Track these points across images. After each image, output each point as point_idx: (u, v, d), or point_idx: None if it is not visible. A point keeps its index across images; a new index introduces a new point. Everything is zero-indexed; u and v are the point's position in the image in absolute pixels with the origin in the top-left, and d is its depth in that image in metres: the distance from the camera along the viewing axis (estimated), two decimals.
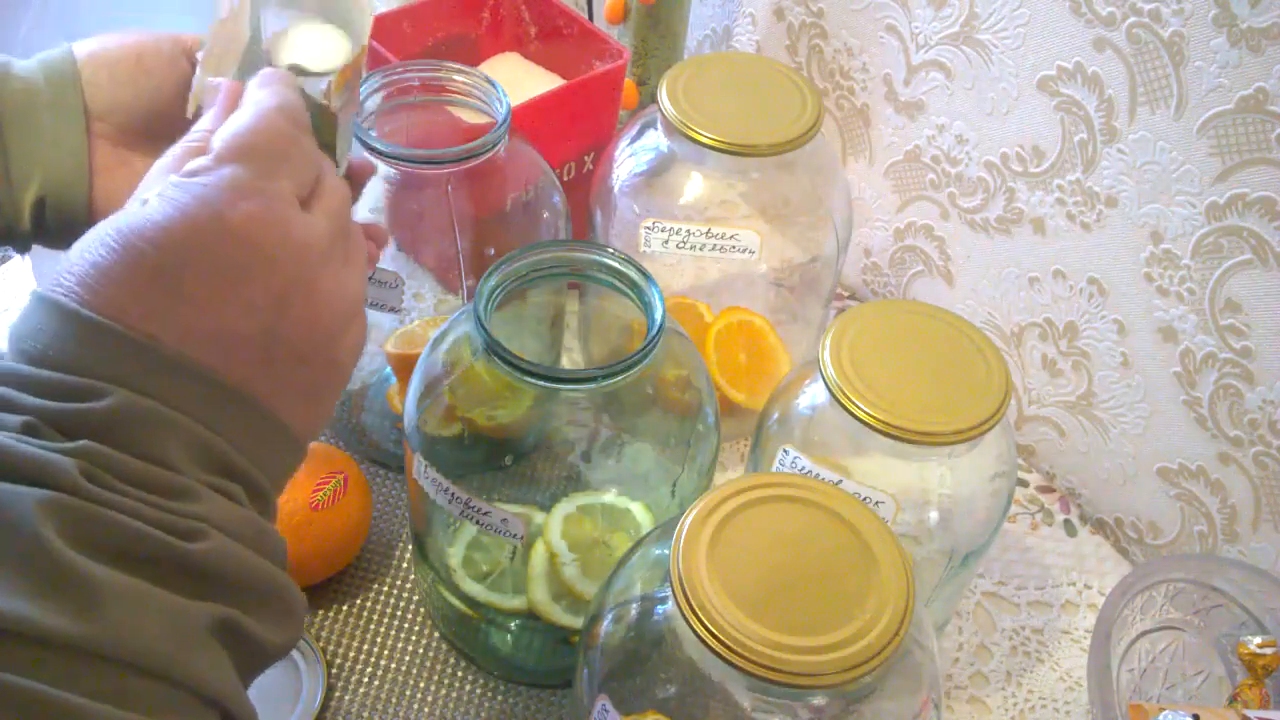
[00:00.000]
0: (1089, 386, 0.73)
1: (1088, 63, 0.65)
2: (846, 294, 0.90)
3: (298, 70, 0.46)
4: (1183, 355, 0.66)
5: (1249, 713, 0.56)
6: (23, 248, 0.50)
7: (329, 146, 0.47)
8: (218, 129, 0.38)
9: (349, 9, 0.49)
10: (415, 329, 0.67)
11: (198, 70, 0.47)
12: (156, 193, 0.35)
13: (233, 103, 0.41)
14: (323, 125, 0.46)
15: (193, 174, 0.35)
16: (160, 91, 0.50)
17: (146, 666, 0.30)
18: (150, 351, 0.33)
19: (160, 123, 0.50)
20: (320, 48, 0.47)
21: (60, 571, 0.29)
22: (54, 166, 0.48)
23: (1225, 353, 0.64)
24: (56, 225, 0.49)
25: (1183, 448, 0.69)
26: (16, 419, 0.31)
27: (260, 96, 0.39)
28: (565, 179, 0.77)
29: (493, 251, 0.65)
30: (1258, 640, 0.58)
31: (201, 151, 0.37)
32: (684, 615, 0.41)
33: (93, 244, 0.34)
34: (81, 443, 0.31)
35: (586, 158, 0.78)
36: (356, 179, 0.54)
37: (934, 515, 0.57)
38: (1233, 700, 0.58)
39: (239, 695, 0.33)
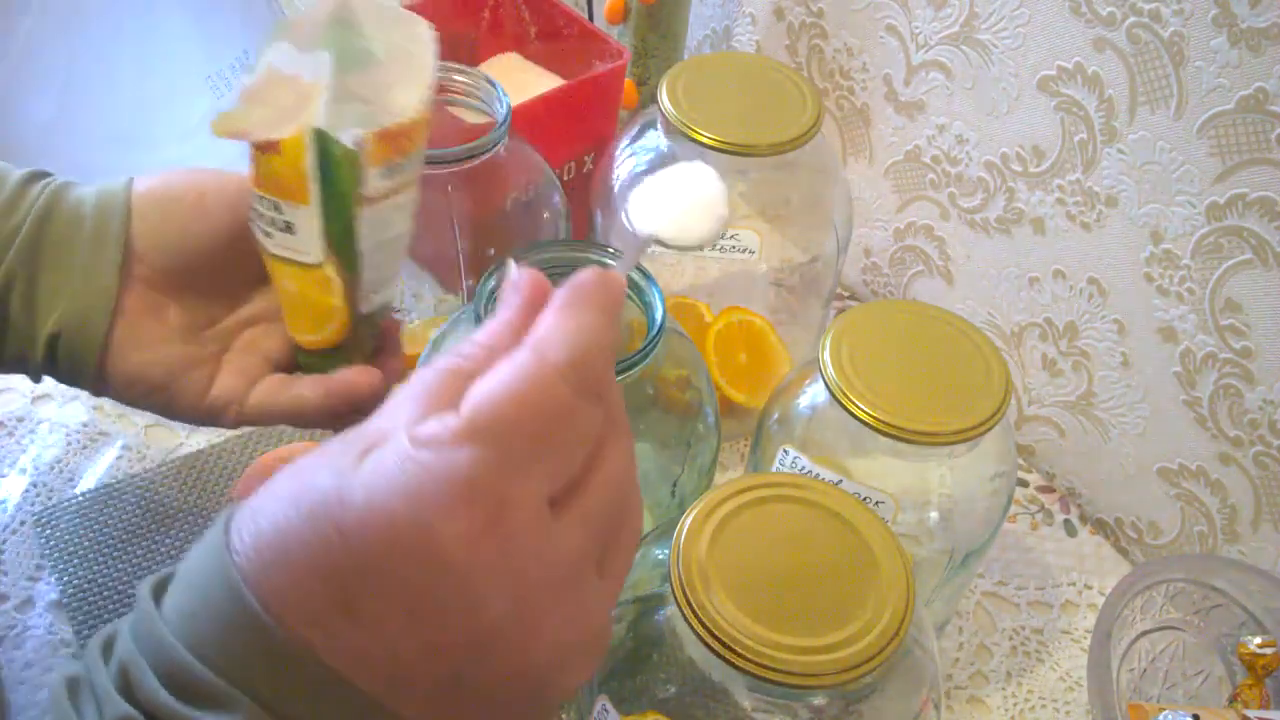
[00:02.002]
0: (1089, 386, 0.73)
1: (1088, 63, 0.65)
2: (846, 294, 0.90)
3: (654, 242, 0.36)
4: (1183, 355, 0.66)
5: (1249, 713, 0.56)
6: (35, 377, 0.48)
7: (341, 222, 0.43)
8: (482, 378, 0.28)
9: (412, 78, 0.44)
10: (415, 329, 0.67)
11: (238, 95, 0.42)
12: (376, 452, 0.28)
13: (536, 303, 0.31)
14: (346, 186, 0.42)
15: (421, 444, 0.27)
16: (215, 237, 0.46)
17: None
18: (298, 664, 0.27)
19: (211, 270, 0.47)
20: (694, 215, 0.38)
21: None
22: (77, 302, 0.45)
23: (1225, 353, 0.64)
24: (67, 363, 0.46)
25: (1183, 448, 0.69)
26: (118, 711, 0.27)
27: (558, 335, 0.29)
28: (565, 179, 0.77)
29: (493, 251, 0.65)
30: (1258, 640, 0.58)
31: (456, 393, 0.28)
32: (684, 615, 0.41)
33: (281, 503, 0.28)
34: None
35: (586, 158, 0.78)
36: (388, 331, 0.49)
37: (934, 515, 0.57)
38: (1233, 700, 0.58)
39: None
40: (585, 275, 0.31)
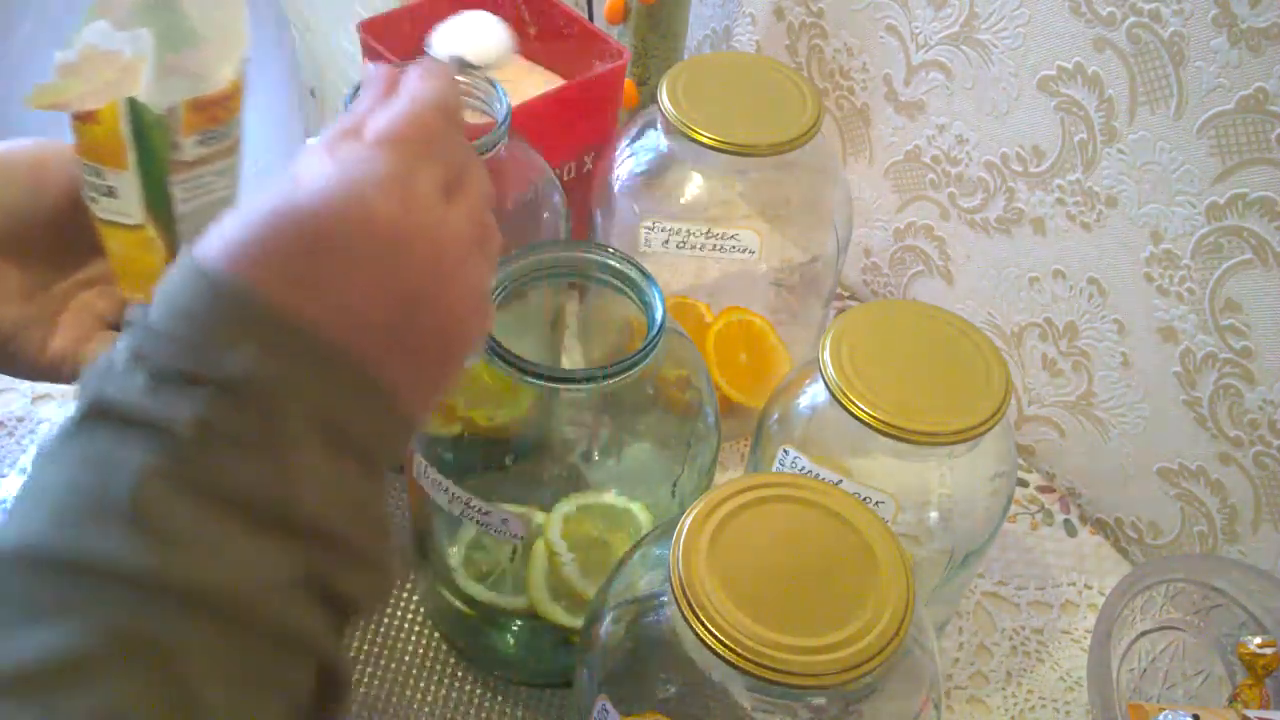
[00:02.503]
0: (1089, 386, 0.73)
1: (1088, 63, 0.65)
2: (846, 294, 0.90)
3: (460, 63, 0.45)
4: (1183, 355, 0.66)
5: (1249, 713, 0.56)
6: None
7: (157, 186, 0.47)
8: (372, 114, 0.38)
9: (227, 26, 0.48)
10: None
11: (54, 69, 0.45)
12: (306, 170, 0.35)
13: (390, 88, 0.40)
14: (159, 149, 0.46)
15: (343, 153, 0.36)
16: (55, 204, 0.48)
17: (216, 601, 0.30)
18: (286, 323, 0.33)
19: (51, 236, 0.49)
20: (482, 40, 0.45)
21: (157, 519, 0.30)
22: None
23: (1225, 353, 0.64)
24: None
25: (1183, 448, 0.69)
26: (147, 369, 0.32)
27: (417, 88, 0.39)
28: (565, 179, 0.77)
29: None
30: (1258, 640, 0.58)
31: (356, 134, 0.37)
32: (684, 615, 0.41)
33: (242, 210, 0.34)
34: (202, 399, 0.31)
35: (586, 158, 0.78)
36: None
37: (934, 515, 0.57)
38: (1233, 700, 0.58)
39: (328, 645, 0.33)
40: (426, 60, 0.41)
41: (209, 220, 0.48)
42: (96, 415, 0.32)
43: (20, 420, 0.72)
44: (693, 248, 0.68)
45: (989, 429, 0.52)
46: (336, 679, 0.34)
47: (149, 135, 0.45)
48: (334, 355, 0.34)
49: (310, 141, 0.38)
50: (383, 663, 0.63)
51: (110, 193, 0.47)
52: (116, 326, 0.52)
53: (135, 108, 0.45)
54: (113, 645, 0.28)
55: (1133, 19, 0.61)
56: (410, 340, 0.36)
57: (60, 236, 0.49)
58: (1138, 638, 0.60)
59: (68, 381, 0.51)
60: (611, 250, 0.54)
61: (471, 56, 0.45)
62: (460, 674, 0.63)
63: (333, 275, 0.34)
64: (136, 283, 0.50)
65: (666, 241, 0.68)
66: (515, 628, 0.62)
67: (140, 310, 0.34)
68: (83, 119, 0.45)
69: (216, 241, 0.34)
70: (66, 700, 0.27)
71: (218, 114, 0.47)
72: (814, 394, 0.56)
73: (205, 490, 0.31)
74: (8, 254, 0.49)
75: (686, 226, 0.67)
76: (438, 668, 0.63)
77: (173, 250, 0.49)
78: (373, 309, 0.35)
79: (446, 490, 0.53)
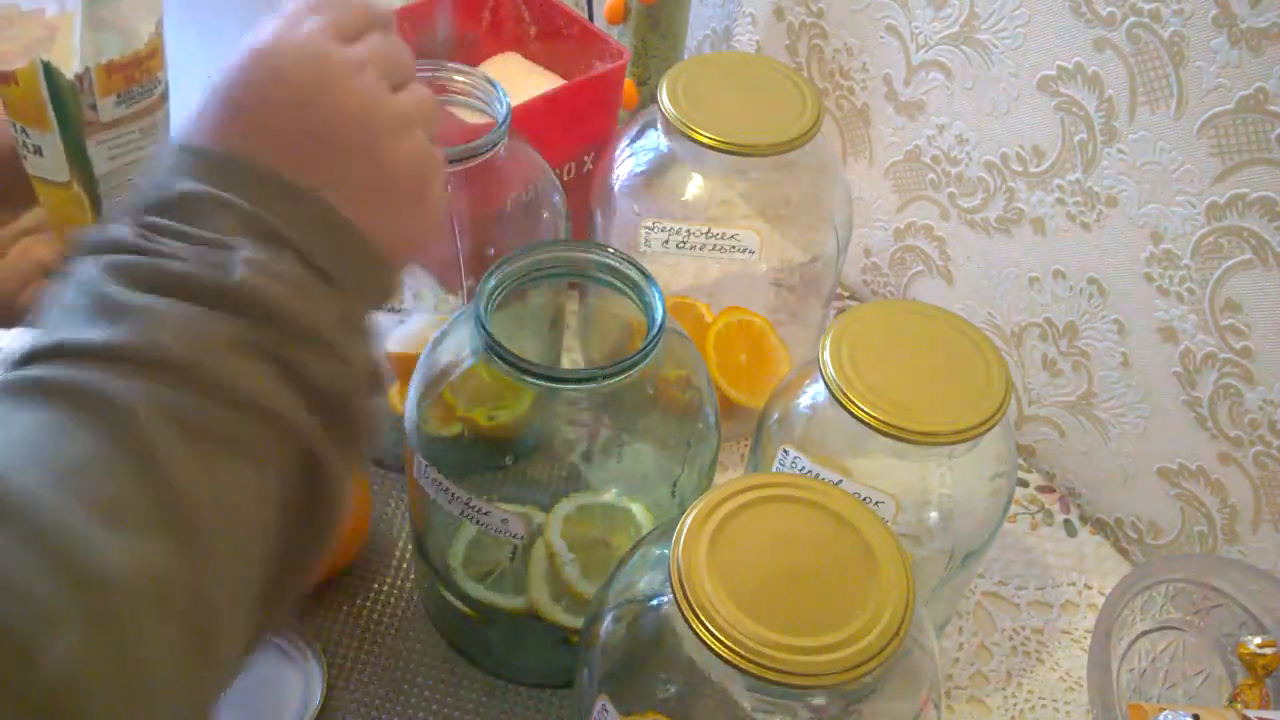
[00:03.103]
0: (1089, 386, 0.73)
1: (1088, 63, 0.65)
2: (846, 294, 0.90)
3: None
4: (1183, 355, 0.66)
5: (1249, 713, 0.56)
6: None
7: (76, 146, 0.48)
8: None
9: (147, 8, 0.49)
10: (415, 329, 0.67)
11: None
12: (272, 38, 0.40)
13: None
14: (74, 111, 0.47)
15: (288, 15, 0.40)
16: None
17: (160, 358, 0.33)
18: (218, 154, 0.37)
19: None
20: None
21: (109, 303, 0.34)
22: None
23: (1225, 353, 0.64)
24: None
25: (1183, 448, 0.69)
26: (115, 216, 0.37)
27: None
28: (565, 179, 0.77)
29: (493, 251, 0.65)
30: (1258, 640, 0.58)
31: None
32: (684, 615, 0.41)
33: (207, 90, 0.39)
34: (147, 216, 0.36)
35: (586, 158, 0.78)
36: None
37: (934, 515, 0.57)
38: (1233, 700, 0.58)
39: (300, 423, 0.35)
40: None
41: (134, 177, 0.50)
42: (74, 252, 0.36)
43: None
44: (693, 248, 0.68)
45: (989, 429, 0.52)
46: (323, 470, 0.36)
47: (66, 98, 0.46)
48: (260, 170, 0.38)
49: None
50: (383, 663, 0.63)
51: (38, 151, 0.48)
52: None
53: (50, 72, 0.46)
54: (74, 411, 0.31)
55: (1133, 19, 0.61)
56: (321, 140, 0.39)
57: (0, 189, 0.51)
58: (1138, 638, 0.59)
59: (8, 325, 0.53)
60: (611, 250, 0.54)
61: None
62: (460, 674, 0.63)
63: (245, 113, 0.38)
64: (69, 236, 0.51)
65: (666, 241, 0.68)
66: (515, 628, 0.62)
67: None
68: (3, 80, 0.46)
69: (194, 114, 0.39)
70: (35, 468, 0.30)
71: (135, 74, 0.48)
72: (814, 394, 0.56)
73: (152, 278, 0.34)
74: None
75: (686, 226, 0.67)
76: (438, 668, 0.63)
77: (97, 207, 0.50)
78: (273, 118, 0.39)
79: (446, 490, 0.53)
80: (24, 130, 0.48)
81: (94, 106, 0.47)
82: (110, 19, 0.48)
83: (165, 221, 0.36)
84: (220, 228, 0.36)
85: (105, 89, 0.47)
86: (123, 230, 0.36)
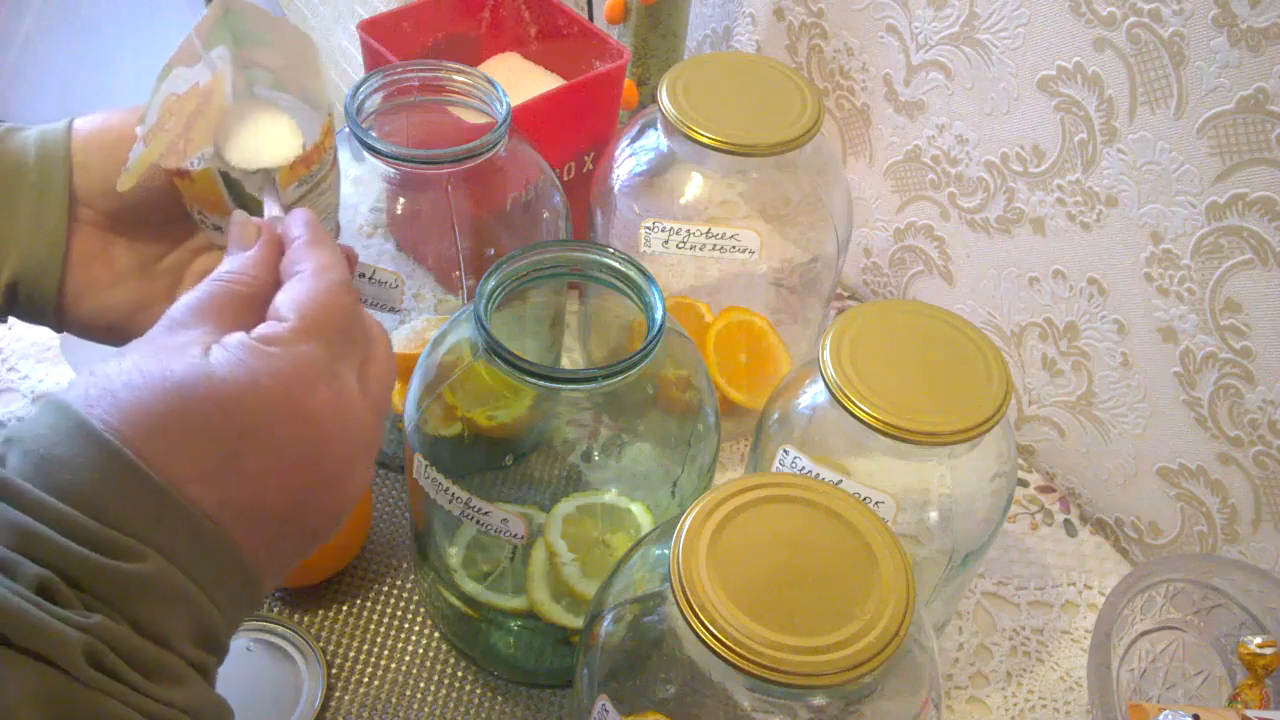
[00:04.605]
0: (1089, 386, 0.73)
1: (1088, 63, 0.65)
2: (846, 294, 0.90)
3: (260, 174, 0.45)
4: (1183, 355, 0.66)
5: (1249, 713, 0.56)
6: (1, 318, 0.50)
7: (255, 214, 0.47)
8: (283, 294, 0.38)
9: (309, 88, 0.48)
10: (416, 329, 0.67)
11: (138, 143, 0.45)
12: (221, 348, 0.34)
13: (276, 246, 0.40)
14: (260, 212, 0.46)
15: (269, 342, 0.35)
16: (155, 178, 0.48)
17: None
18: (190, 517, 0.32)
19: (154, 208, 0.49)
20: (269, 140, 0.46)
21: None
22: (29, 252, 0.47)
23: (1225, 353, 0.64)
24: (27, 307, 0.48)
25: (1183, 448, 0.69)
26: (34, 571, 0.30)
27: (323, 262, 0.39)
28: (565, 179, 0.77)
29: (493, 251, 0.65)
30: (1258, 640, 0.58)
31: (251, 301, 0.37)
32: (684, 615, 0.41)
33: (141, 383, 0.32)
34: (95, 619, 0.30)
35: (586, 158, 0.78)
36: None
37: (934, 515, 0.57)
38: (1233, 700, 0.58)
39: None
40: (300, 218, 0.41)
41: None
42: None
43: (20, 420, 0.72)
44: (693, 248, 0.68)
45: (989, 429, 0.52)
46: None
47: (249, 201, 0.46)
48: (227, 550, 0.33)
49: (191, 298, 0.37)
50: (383, 663, 0.63)
51: (217, 228, 0.48)
52: None
53: (230, 182, 0.45)
54: None
55: (1133, 19, 0.61)
56: (296, 528, 0.36)
57: (164, 207, 0.49)
58: (1138, 638, 0.59)
59: None
60: (611, 250, 0.54)
61: (248, 163, 0.45)
62: (460, 674, 0.63)
63: (244, 465, 0.33)
64: None
65: (666, 241, 0.68)
66: (515, 628, 0.62)
67: (19, 468, 0.32)
68: (178, 176, 0.45)
69: (111, 410, 0.32)
70: None
71: (312, 159, 0.47)
72: (814, 394, 0.56)
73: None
74: (113, 230, 0.49)
75: (686, 227, 0.67)
76: (438, 668, 0.63)
77: None
78: (274, 498, 0.34)
79: (446, 490, 0.53)
80: (200, 212, 0.47)
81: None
82: (259, 59, 0.48)
83: (120, 631, 0.31)
84: (172, 634, 0.32)
85: (286, 181, 0.46)
86: (67, 638, 0.29)
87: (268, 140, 0.47)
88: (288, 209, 0.47)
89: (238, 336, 0.35)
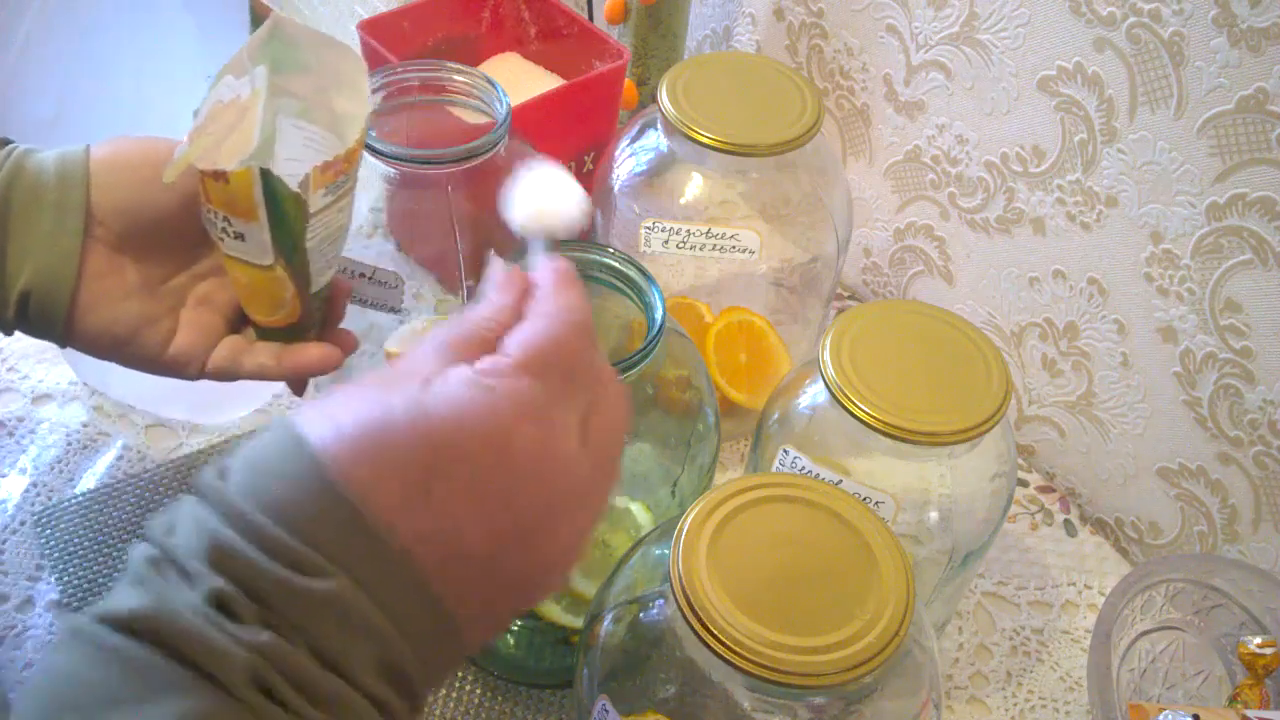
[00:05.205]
0: (1089, 386, 0.73)
1: (1088, 63, 0.65)
2: (846, 294, 0.90)
3: (553, 241, 0.44)
4: (1183, 355, 0.66)
5: (1249, 713, 0.56)
6: (8, 331, 0.51)
7: (289, 240, 0.48)
8: (514, 333, 0.36)
9: (343, 111, 0.49)
10: (415, 329, 0.67)
11: (184, 138, 0.47)
12: (441, 380, 0.34)
13: (521, 295, 0.39)
14: (292, 216, 0.47)
15: (486, 375, 0.34)
16: (169, 202, 0.49)
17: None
18: (382, 544, 0.31)
19: (164, 232, 0.51)
20: (561, 207, 0.45)
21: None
22: (43, 266, 0.48)
23: (1225, 353, 0.64)
24: (37, 318, 0.49)
25: (1183, 448, 0.69)
26: (212, 584, 0.30)
27: (558, 305, 0.38)
28: None
29: (493, 251, 0.65)
30: (1258, 640, 0.58)
31: (490, 344, 0.36)
32: (684, 615, 0.41)
33: (361, 410, 0.32)
34: (266, 637, 0.30)
35: (586, 158, 0.78)
36: (334, 298, 0.56)
37: (934, 515, 0.57)
38: (1233, 700, 0.58)
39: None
40: (556, 264, 0.40)
41: (333, 247, 0.51)
42: (147, 625, 0.29)
43: (20, 420, 0.72)
44: (693, 248, 0.68)
45: (989, 429, 0.52)
46: None
47: (283, 203, 0.46)
48: (420, 585, 0.32)
49: (436, 335, 0.36)
50: None
51: (240, 237, 0.48)
52: (236, 318, 0.54)
53: (269, 179, 0.46)
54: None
55: (1133, 19, 0.61)
56: (498, 579, 0.34)
57: (174, 231, 0.51)
58: (1138, 638, 0.59)
59: (192, 378, 0.53)
60: (611, 250, 0.54)
61: (559, 229, 0.44)
62: (460, 674, 0.63)
63: (443, 499, 0.32)
64: (264, 309, 0.52)
65: (666, 241, 0.68)
66: (515, 628, 0.62)
67: (225, 474, 0.32)
68: (214, 177, 0.46)
69: (329, 432, 0.32)
70: None
71: (342, 168, 0.48)
72: (814, 394, 0.56)
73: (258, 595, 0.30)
74: (123, 250, 0.50)
75: (686, 227, 0.67)
76: None
77: (300, 282, 0.50)
78: (473, 541, 0.33)
79: None
80: (226, 219, 0.48)
81: (305, 207, 0.47)
82: (292, 87, 0.49)
83: (289, 652, 0.30)
84: (350, 661, 0.31)
85: (318, 184, 0.47)
86: (233, 657, 0.29)
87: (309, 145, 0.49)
88: (315, 215, 0.48)
89: (459, 370, 0.34)
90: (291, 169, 0.46)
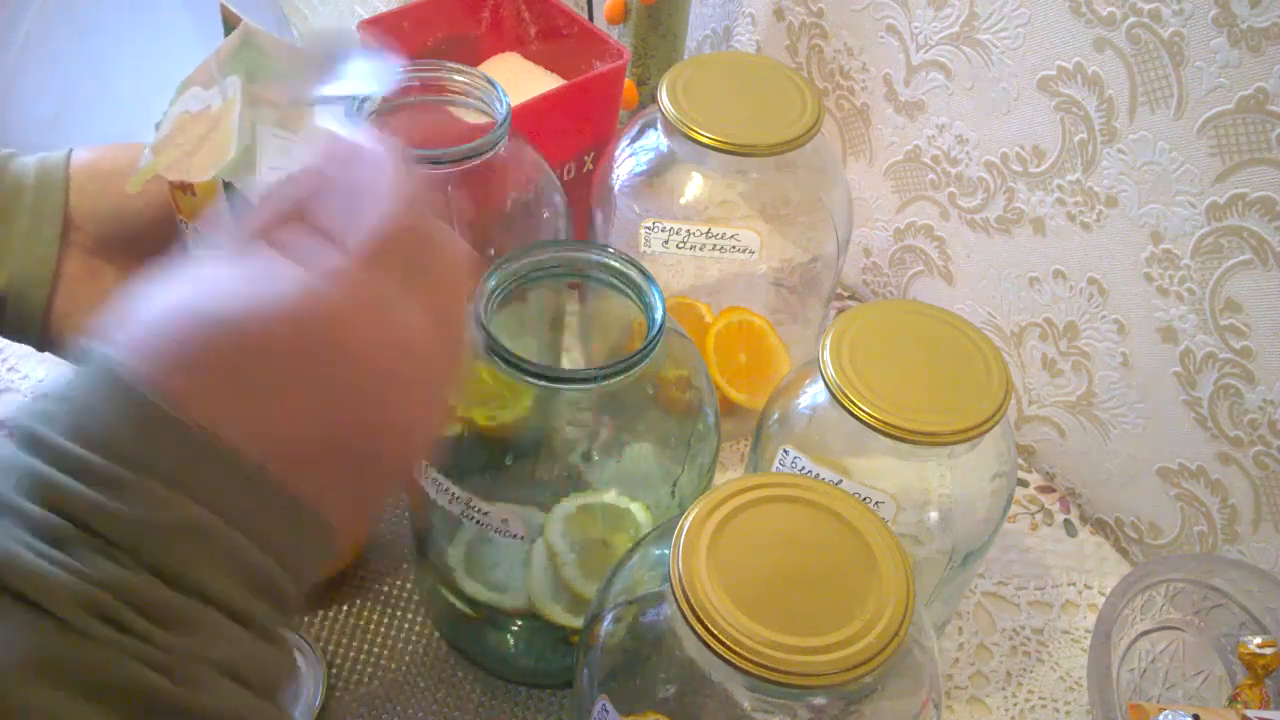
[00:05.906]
0: (1089, 386, 0.73)
1: (1088, 63, 0.65)
2: (846, 294, 0.90)
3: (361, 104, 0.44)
4: (1183, 355, 0.66)
5: (1249, 713, 0.56)
6: None
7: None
8: (348, 216, 0.35)
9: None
10: None
11: (147, 150, 0.47)
12: (267, 271, 0.33)
13: (341, 166, 0.37)
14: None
15: (325, 272, 0.33)
16: (147, 208, 0.50)
17: None
18: (225, 459, 0.30)
19: (143, 238, 0.51)
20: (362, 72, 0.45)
21: (11, 710, 0.27)
22: (20, 268, 0.49)
23: (1225, 353, 0.64)
24: (14, 320, 0.50)
25: (1183, 448, 0.69)
26: (39, 516, 0.29)
27: (389, 189, 0.36)
28: (565, 179, 0.77)
29: (493, 251, 0.65)
30: (1258, 640, 0.58)
31: (295, 224, 0.35)
32: (684, 615, 0.41)
33: (180, 322, 0.31)
34: (102, 565, 0.28)
35: (586, 158, 0.78)
36: None
37: (934, 515, 0.57)
38: (1233, 700, 0.58)
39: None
40: (380, 137, 0.38)
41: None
42: None
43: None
44: (693, 248, 0.68)
45: (989, 429, 0.52)
46: None
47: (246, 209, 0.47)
48: (255, 477, 0.31)
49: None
50: (383, 663, 0.63)
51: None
52: None
53: (233, 192, 0.46)
54: None
55: (1133, 19, 0.61)
56: (352, 456, 0.34)
57: (153, 238, 0.51)
58: (1138, 638, 0.59)
59: None
60: (611, 250, 0.54)
61: (364, 87, 0.44)
62: (460, 674, 0.63)
63: (274, 388, 0.32)
64: None
65: (666, 241, 0.68)
66: (515, 628, 0.62)
67: (36, 405, 0.31)
68: (181, 188, 0.47)
69: (141, 349, 0.30)
70: None
71: None
72: (814, 394, 0.56)
73: (85, 684, 0.28)
74: (101, 255, 0.51)
75: (686, 227, 0.67)
76: (437, 668, 0.63)
77: None
78: (316, 425, 0.32)
79: (447, 490, 0.53)
80: (197, 230, 0.48)
81: None
82: (268, 95, 0.48)
83: (123, 592, 0.28)
84: (208, 584, 0.30)
85: None
86: (63, 586, 0.28)
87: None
88: None
89: (290, 271, 0.33)
90: (275, 179, 0.47)
